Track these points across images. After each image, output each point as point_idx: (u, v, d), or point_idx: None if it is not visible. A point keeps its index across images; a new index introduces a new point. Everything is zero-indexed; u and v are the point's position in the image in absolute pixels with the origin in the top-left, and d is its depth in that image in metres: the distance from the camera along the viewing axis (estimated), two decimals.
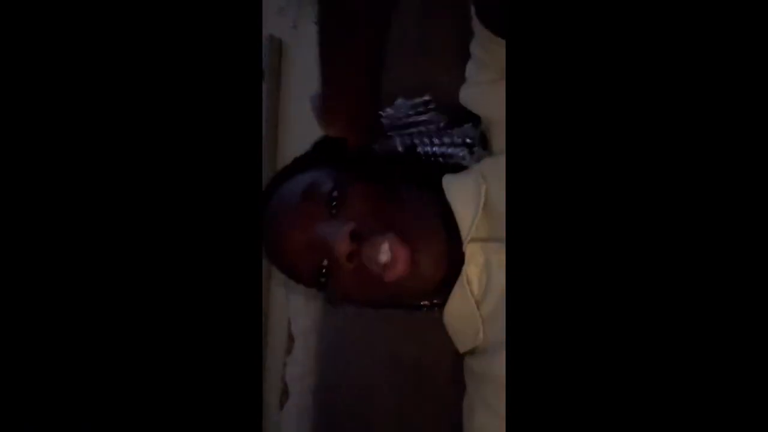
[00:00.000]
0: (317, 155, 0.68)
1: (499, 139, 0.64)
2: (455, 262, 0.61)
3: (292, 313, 0.96)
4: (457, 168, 0.65)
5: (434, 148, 0.66)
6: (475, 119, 0.66)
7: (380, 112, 0.57)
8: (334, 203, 0.59)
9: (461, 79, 0.65)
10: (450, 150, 0.66)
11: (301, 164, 0.67)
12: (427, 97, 0.69)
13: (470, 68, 0.64)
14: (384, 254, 0.57)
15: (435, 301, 0.66)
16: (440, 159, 0.66)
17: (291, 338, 0.97)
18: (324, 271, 0.60)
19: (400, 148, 0.66)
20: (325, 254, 0.59)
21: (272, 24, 1.01)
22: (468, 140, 0.66)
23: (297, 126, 0.95)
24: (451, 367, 0.76)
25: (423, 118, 0.68)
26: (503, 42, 0.53)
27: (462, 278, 0.61)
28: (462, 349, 0.67)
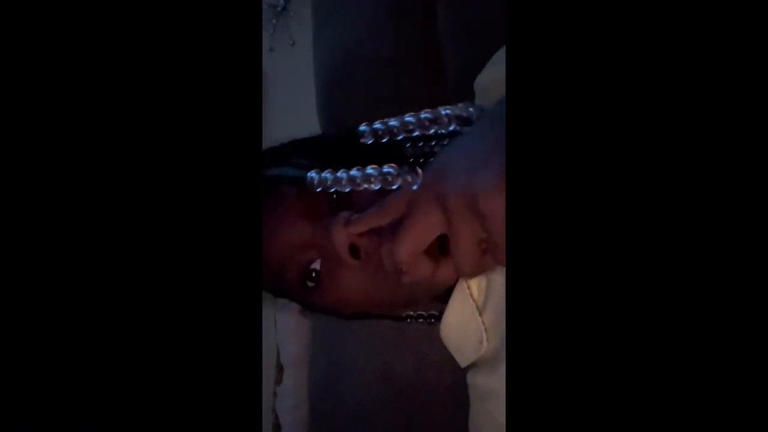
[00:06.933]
0: (315, 145, 0.62)
1: None
2: None
3: (281, 340, 0.93)
4: None
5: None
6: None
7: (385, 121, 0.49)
8: (335, 196, 0.51)
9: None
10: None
11: (293, 151, 0.60)
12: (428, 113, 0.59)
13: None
14: None
15: (421, 312, 0.63)
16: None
17: (280, 367, 0.95)
18: (314, 274, 0.52)
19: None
20: (318, 252, 0.52)
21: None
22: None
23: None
24: (450, 384, 0.74)
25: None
26: None
27: (461, 282, 0.57)
28: (464, 362, 0.61)
